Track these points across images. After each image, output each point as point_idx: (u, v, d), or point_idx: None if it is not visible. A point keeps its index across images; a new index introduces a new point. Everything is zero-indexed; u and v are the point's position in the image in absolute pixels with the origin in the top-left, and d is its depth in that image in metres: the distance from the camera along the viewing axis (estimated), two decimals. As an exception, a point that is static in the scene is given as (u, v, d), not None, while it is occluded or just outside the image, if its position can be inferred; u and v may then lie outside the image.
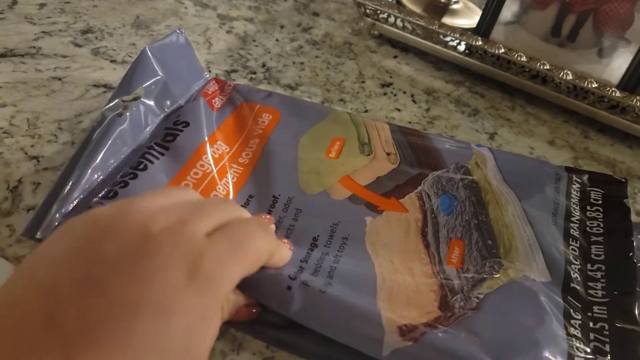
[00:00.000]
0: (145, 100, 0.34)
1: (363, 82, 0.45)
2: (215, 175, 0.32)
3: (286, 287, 0.26)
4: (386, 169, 0.34)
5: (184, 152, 0.32)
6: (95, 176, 0.30)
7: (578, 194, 0.33)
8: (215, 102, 0.37)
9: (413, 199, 0.32)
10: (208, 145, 0.33)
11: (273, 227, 0.29)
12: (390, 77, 0.47)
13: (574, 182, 0.33)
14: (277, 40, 0.49)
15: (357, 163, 0.34)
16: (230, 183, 0.32)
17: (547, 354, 0.25)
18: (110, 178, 0.31)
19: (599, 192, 0.33)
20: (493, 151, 0.35)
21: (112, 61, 0.42)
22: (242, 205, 0.31)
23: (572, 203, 0.32)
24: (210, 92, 0.38)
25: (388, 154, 0.35)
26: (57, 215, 0.28)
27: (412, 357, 0.24)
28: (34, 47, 0.41)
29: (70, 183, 0.29)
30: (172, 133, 0.33)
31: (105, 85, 0.39)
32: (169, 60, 0.36)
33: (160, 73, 0.35)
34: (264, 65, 0.45)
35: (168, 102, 0.36)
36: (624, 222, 0.31)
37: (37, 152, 0.33)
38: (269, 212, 0.31)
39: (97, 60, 0.41)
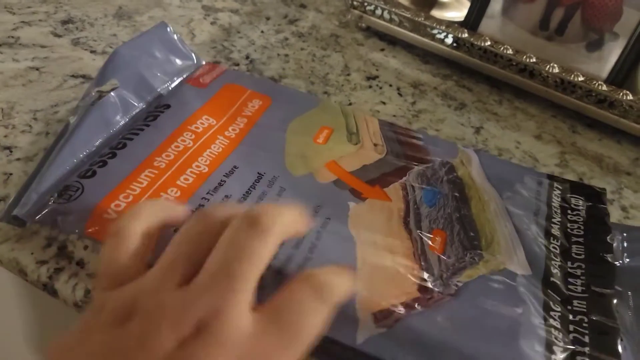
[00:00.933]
0: (122, 90, 0.34)
1: (348, 74, 0.45)
2: (198, 148, 0.32)
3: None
4: (373, 158, 0.34)
5: (165, 128, 0.32)
6: (73, 158, 0.30)
7: (559, 199, 0.33)
8: (203, 79, 0.37)
9: (397, 188, 0.32)
10: (192, 121, 0.33)
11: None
12: (377, 69, 0.46)
13: (555, 188, 0.33)
14: (262, 32, 0.48)
15: (345, 150, 0.34)
16: (215, 153, 0.32)
17: (524, 342, 0.25)
18: (89, 158, 0.30)
19: (579, 198, 0.33)
20: (478, 153, 0.35)
21: (92, 52, 0.41)
22: (224, 175, 0.31)
23: (553, 207, 0.32)
24: (196, 74, 0.38)
25: (375, 145, 0.34)
26: (33, 194, 0.28)
27: (387, 344, 0.24)
28: (13, 37, 0.41)
29: (47, 164, 0.29)
30: (153, 114, 0.33)
31: (83, 76, 0.39)
32: (148, 55, 0.35)
33: (135, 67, 0.35)
34: (247, 57, 0.45)
35: (148, 92, 0.35)
36: (604, 226, 0.31)
37: (10, 143, 0.33)
38: (253, 186, 0.30)
39: (77, 50, 0.41)
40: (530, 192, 0.33)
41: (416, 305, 0.26)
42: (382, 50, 0.49)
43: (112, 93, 0.33)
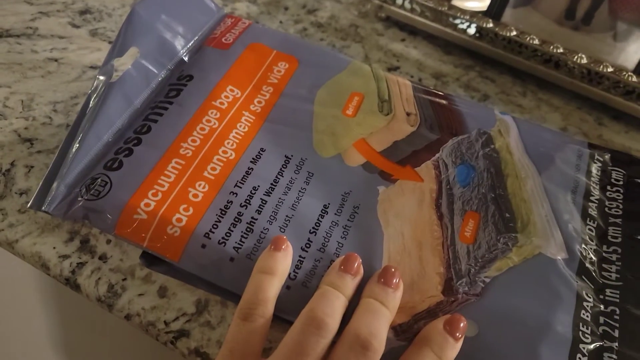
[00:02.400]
0: (141, 60, 0.32)
1: (368, 65, 0.44)
2: (224, 129, 0.31)
3: (285, 287, 0.26)
4: (404, 132, 0.32)
5: (189, 107, 0.31)
6: (98, 143, 0.30)
7: (599, 173, 0.31)
8: (226, 38, 0.35)
9: (429, 167, 0.31)
10: (216, 95, 0.32)
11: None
12: (398, 60, 0.45)
13: (596, 161, 0.32)
14: (280, 22, 0.48)
15: (375, 123, 0.32)
16: (241, 134, 0.31)
17: (549, 344, 0.24)
18: (114, 143, 0.30)
19: (620, 172, 0.31)
20: (516, 120, 0.33)
21: (110, 42, 0.41)
22: (251, 161, 0.30)
23: (592, 182, 0.31)
24: (219, 33, 0.36)
25: (408, 114, 0.33)
26: (62, 186, 0.28)
27: None
28: (31, 28, 0.40)
29: (73, 152, 0.29)
30: (175, 88, 0.32)
31: (100, 67, 0.38)
32: (166, 12, 0.34)
33: (155, 29, 0.33)
34: (266, 48, 0.44)
35: (169, 59, 0.34)
36: None
37: (30, 135, 0.32)
38: (281, 172, 0.30)
39: (95, 41, 0.40)
40: (569, 167, 0.31)
41: (439, 313, 0.25)
42: (403, 40, 0.48)
43: (130, 67, 0.32)
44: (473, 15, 0.45)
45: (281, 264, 0.26)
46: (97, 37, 0.41)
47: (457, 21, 0.45)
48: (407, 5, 0.48)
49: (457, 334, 0.24)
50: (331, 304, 0.24)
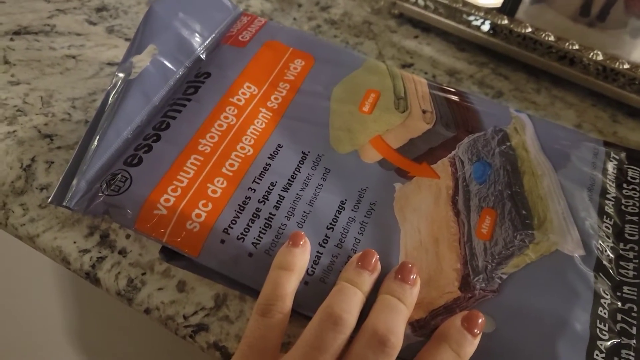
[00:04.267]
0: (160, 57, 0.33)
1: (382, 62, 0.44)
2: (241, 126, 0.31)
3: (303, 283, 0.26)
4: (420, 129, 0.32)
5: (207, 102, 0.32)
6: (118, 139, 0.30)
7: (615, 171, 0.31)
8: (242, 36, 0.36)
9: (445, 164, 0.31)
10: (234, 92, 0.32)
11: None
12: (411, 57, 0.45)
13: (612, 159, 0.32)
14: (294, 19, 0.48)
15: (391, 121, 0.32)
16: (259, 130, 0.31)
17: (567, 342, 0.24)
18: (134, 139, 0.30)
19: (636, 170, 0.31)
20: (532, 118, 0.33)
21: (126, 39, 0.41)
22: (269, 157, 0.30)
23: (608, 180, 0.31)
24: (235, 31, 0.36)
25: (424, 112, 0.33)
26: (83, 181, 0.28)
27: None
28: (48, 25, 0.41)
29: (93, 148, 0.29)
30: (193, 86, 0.32)
31: (119, 64, 0.38)
32: (183, 10, 0.34)
33: (173, 27, 0.34)
34: (281, 45, 0.44)
35: (186, 56, 0.34)
36: None
37: (50, 131, 0.33)
38: (298, 168, 0.30)
39: (112, 38, 0.41)
40: (585, 164, 0.31)
41: (456, 309, 0.25)
42: (416, 37, 0.48)
43: (149, 64, 0.32)
44: (487, 12, 0.45)
45: (299, 259, 0.26)
46: (114, 34, 0.41)
47: (471, 18, 0.45)
48: (421, 2, 0.48)
49: (475, 330, 0.24)
50: (349, 299, 0.24)
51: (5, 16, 0.40)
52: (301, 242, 0.26)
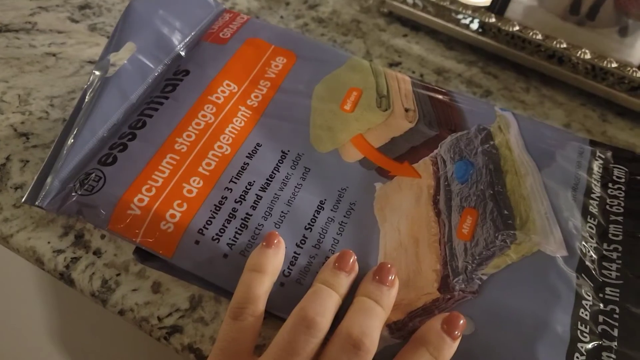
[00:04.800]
0: (138, 55, 0.32)
1: (370, 61, 0.44)
2: (220, 124, 0.30)
3: (279, 284, 0.26)
4: (402, 128, 0.32)
5: (185, 100, 0.31)
6: (93, 138, 0.29)
7: (600, 170, 0.31)
8: (224, 33, 0.35)
9: (427, 163, 0.30)
10: (212, 90, 0.32)
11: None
12: (399, 56, 0.45)
13: (597, 158, 0.31)
14: (281, 17, 0.47)
15: (373, 119, 0.32)
16: (237, 129, 0.30)
17: (547, 343, 0.23)
18: (109, 138, 0.30)
19: (622, 169, 0.31)
20: (517, 117, 0.33)
21: (109, 37, 0.40)
22: (247, 156, 0.30)
23: (593, 179, 0.30)
24: (216, 28, 0.36)
25: (406, 110, 0.32)
26: (56, 181, 0.28)
27: None
28: (30, 23, 0.40)
29: (67, 146, 0.29)
30: (171, 83, 0.32)
31: (97, 62, 0.38)
32: (163, 7, 0.34)
33: (152, 24, 0.33)
34: (266, 43, 0.44)
35: (166, 54, 0.34)
36: None
37: (27, 129, 0.32)
38: (277, 168, 0.29)
39: (94, 36, 0.40)
40: (570, 164, 0.30)
41: (434, 310, 0.25)
42: (405, 36, 0.47)
43: (126, 61, 0.31)
44: (476, 10, 0.44)
45: (272, 261, 0.25)
46: (96, 32, 0.41)
47: (460, 16, 0.45)
48: (410, 0, 0.47)
49: (456, 333, 0.23)
50: (323, 302, 0.24)
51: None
52: (274, 242, 0.26)
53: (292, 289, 0.26)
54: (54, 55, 0.38)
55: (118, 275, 0.28)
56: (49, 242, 0.29)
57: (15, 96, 0.34)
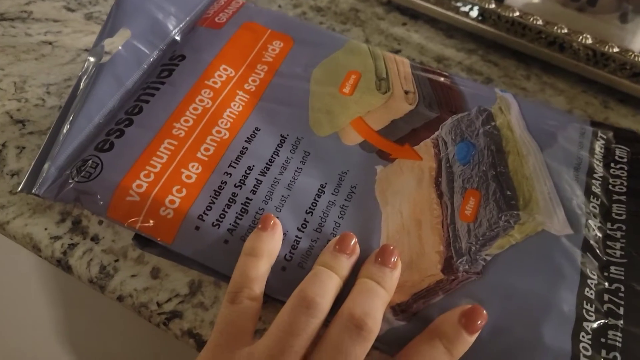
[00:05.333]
0: (133, 40, 0.32)
1: (364, 43, 0.43)
2: (217, 109, 0.30)
3: (280, 268, 0.25)
4: (402, 110, 0.31)
5: (182, 85, 0.31)
6: (89, 124, 0.29)
7: (602, 151, 0.30)
8: (219, 18, 0.35)
9: (428, 145, 0.30)
10: (209, 74, 0.31)
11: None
12: (399, 44, 0.44)
13: (599, 138, 0.31)
14: (279, 6, 0.47)
15: (372, 102, 0.31)
16: (235, 113, 0.30)
17: (552, 323, 0.23)
18: (106, 124, 0.29)
19: (624, 149, 0.30)
20: (517, 98, 0.32)
21: (106, 26, 0.40)
22: (246, 141, 0.29)
23: (595, 159, 0.30)
24: (212, 13, 0.35)
25: (406, 93, 0.32)
26: (53, 168, 0.27)
27: (408, 334, 0.24)
28: (25, 12, 0.40)
29: (63, 133, 0.28)
30: (167, 69, 0.31)
31: (91, 48, 0.37)
32: None
33: (146, 10, 0.33)
34: (265, 32, 0.43)
35: (161, 39, 0.33)
36: None
37: (23, 116, 0.32)
38: (276, 152, 0.29)
39: (90, 24, 0.40)
40: (571, 144, 0.30)
41: (439, 292, 0.24)
42: (404, 24, 0.47)
43: (121, 47, 0.31)
44: (475, -3, 0.44)
45: (267, 244, 0.25)
46: (92, 21, 0.40)
47: (459, 4, 0.45)
48: (408, -12, 0.47)
49: (473, 328, 0.22)
50: (323, 284, 0.23)
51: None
52: (270, 224, 0.25)
53: (293, 272, 0.25)
54: (50, 43, 0.37)
55: (116, 261, 0.28)
56: (45, 229, 0.28)
57: (11, 83, 0.34)
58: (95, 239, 0.28)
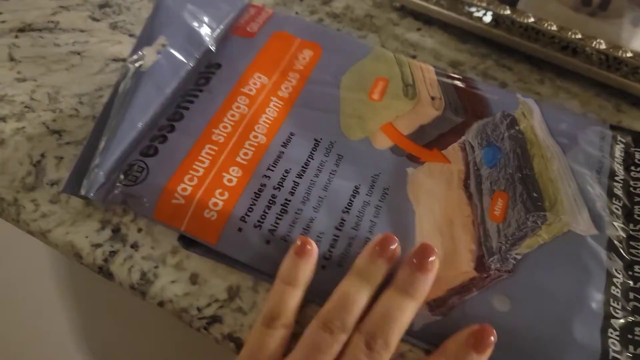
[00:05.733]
0: (170, 49, 0.33)
1: (389, 50, 0.44)
2: (253, 115, 0.31)
3: (321, 267, 0.26)
4: (430, 116, 0.33)
5: (219, 94, 0.32)
6: (133, 130, 0.30)
7: (622, 154, 0.32)
8: (250, 27, 0.36)
9: (456, 149, 0.31)
10: (244, 82, 0.33)
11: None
12: (414, 50, 0.45)
13: (618, 142, 0.32)
14: (296, 13, 0.48)
15: (401, 107, 0.33)
16: (271, 119, 0.31)
17: (581, 319, 0.24)
18: (148, 130, 0.30)
19: None
20: (539, 103, 0.34)
21: (130, 35, 0.41)
22: (282, 145, 0.30)
23: (616, 162, 0.31)
24: (243, 22, 0.37)
25: (432, 98, 0.33)
26: (101, 172, 0.28)
27: (444, 329, 0.25)
28: (52, 22, 0.40)
29: (107, 139, 0.29)
30: (204, 77, 0.33)
31: (124, 60, 0.38)
32: (192, 2, 0.35)
33: (182, 19, 0.34)
34: (284, 39, 0.44)
35: (196, 48, 0.34)
36: None
37: (59, 127, 0.33)
38: (311, 155, 0.30)
39: (116, 34, 0.41)
40: (593, 147, 0.31)
41: (472, 288, 0.26)
42: (419, 30, 0.48)
43: (160, 55, 0.32)
44: (489, 2, 0.45)
45: (303, 272, 0.26)
46: (117, 30, 0.41)
47: (473, 9, 0.46)
48: (423, -6, 0.48)
49: (482, 348, 0.23)
50: (350, 308, 0.24)
51: (10, 13, 0.40)
52: (306, 250, 0.26)
53: (333, 271, 0.26)
54: (78, 53, 0.38)
55: (156, 267, 0.29)
56: (86, 237, 0.29)
57: (45, 94, 0.35)
58: (134, 246, 0.29)
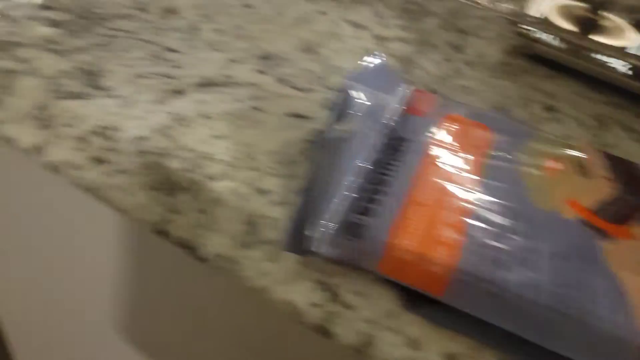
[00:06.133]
0: (361, 125, 0.36)
1: (526, 105, 0.46)
2: (445, 184, 0.34)
3: None
4: (608, 194, 0.35)
5: (411, 166, 0.35)
6: (346, 190, 0.33)
7: None
8: (421, 107, 0.40)
9: None
10: (430, 154, 0.36)
11: None
12: (552, 99, 0.47)
13: None
14: (433, 60, 0.50)
15: (579, 185, 0.35)
16: (462, 188, 0.34)
17: None
18: (357, 192, 0.33)
19: None
20: None
21: (295, 88, 0.43)
22: (479, 206, 0.33)
23: None
24: (414, 102, 0.40)
25: (606, 179, 0.36)
26: (321, 230, 0.31)
27: None
28: (226, 76, 0.42)
29: (319, 200, 0.32)
30: (394, 148, 0.36)
31: (299, 115, 0.40)
32: (371, 84, 0.38)
33: (366, 98, 0.37)
34: (430, 90, 0.46)
35: (381, 124, 0.37)
36: None
37: (265, 186, 0.35)
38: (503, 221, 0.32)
39: (285, 88, 0.42)
40: None
41: None
42: (552, 78, 0.50)
43: (353, 129, 0.35)
44: (625, 54, 0.46)
45: None
46: (284, 84, 0.43)
47: (606, 59, 0.47)
48: (554, 42, 0.49)
49: None
50: None
51: (183, 69, 0.42)
52: None
53: None
54: (258, 109, 0.40)
55: (373, 329, 0.30)
56: (303, 296, 0.31)
57: (241, 152, 0.36)
58: (350, 307, 0.31)
